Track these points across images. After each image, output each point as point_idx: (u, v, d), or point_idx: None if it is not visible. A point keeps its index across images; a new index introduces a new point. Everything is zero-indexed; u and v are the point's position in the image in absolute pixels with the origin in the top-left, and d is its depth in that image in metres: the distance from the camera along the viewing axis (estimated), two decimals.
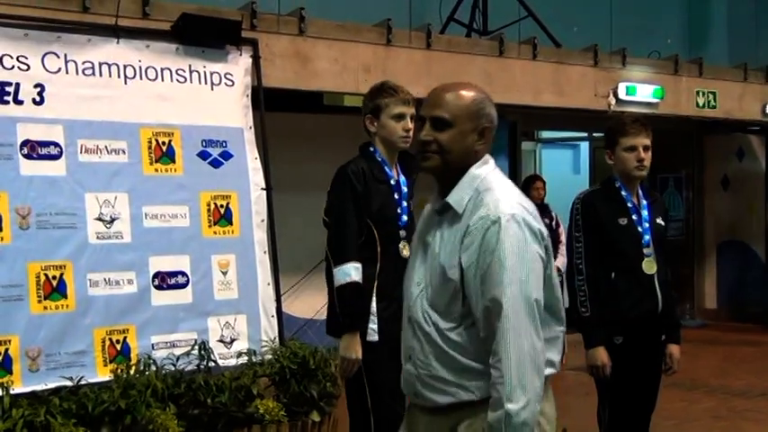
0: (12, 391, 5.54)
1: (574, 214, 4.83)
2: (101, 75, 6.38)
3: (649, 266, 4.73)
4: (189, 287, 6.53)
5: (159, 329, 6.36)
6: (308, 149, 8.77)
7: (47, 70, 6.16)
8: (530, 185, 10.24)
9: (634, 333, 4.72)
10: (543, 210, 10.13)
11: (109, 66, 6.42)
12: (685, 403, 8.18)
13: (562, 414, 7.52)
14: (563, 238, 9.35)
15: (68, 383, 5.77)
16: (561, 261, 9.23)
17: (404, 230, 4.51)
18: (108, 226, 6.23)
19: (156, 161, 6.51)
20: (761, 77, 11.74)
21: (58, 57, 6.22)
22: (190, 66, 6.77)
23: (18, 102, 6.02)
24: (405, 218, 4.54)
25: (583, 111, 10.14)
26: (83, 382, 5.79)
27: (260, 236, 6.90)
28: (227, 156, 6.83)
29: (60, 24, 6.29)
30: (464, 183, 2.89)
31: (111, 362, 6.10)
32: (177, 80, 6.71)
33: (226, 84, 6.92)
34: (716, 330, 12.61)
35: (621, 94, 10.08)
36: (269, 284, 6.89)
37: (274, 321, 6.86)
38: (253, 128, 7.02)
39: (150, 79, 6.59)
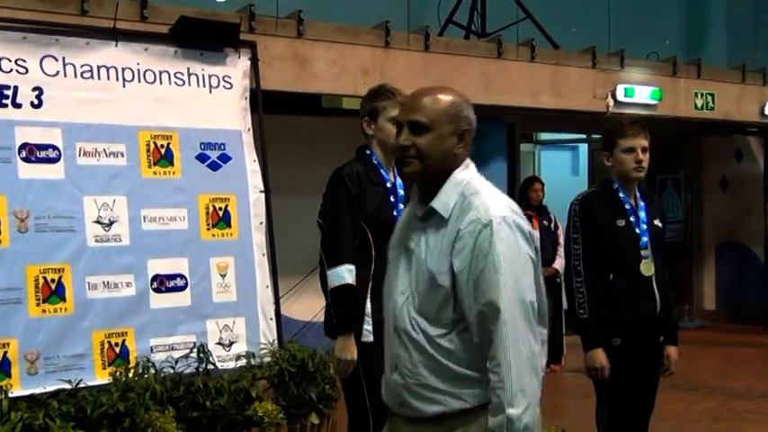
0: (10, 395, 5.54)
1: (572, 216, 4.83)
2: (99, 78, 6.38)
3: (647, 268, 4.73)
4: (187, 290, 6.53)
5: (158, 332, 6.36)
6: (307, 152, 8.77)
7: (45, 73, 6.17)
8: (528, 187, 10.25)
9: (632, 335, 4.73)
10: (542, 211, 10.15)
11: (107, 69, 6.43)
12: (684, 404, 8.18)
13: (561, 416, 7.54)
14: (562, 239, 9.35)
15: (67, 386, 5.77)
16: (560, 263, 9.25)
17: None
18: (106, 229, 6.23)
19: (155, 164, 6.51)
20: (759, 79, 11.75)
21: (57, 60, 6.22)
22: (188, 68, 6.78)
23: (16, 105, 6.03)
24: None
25: (581, 112, 10.14)
26: (81, 385, 5.80)
27: (259, 238, 6.90)
28: (225, 158, 6.84)
29: (58, 27, 6.29)
30: (449, 187, 2.86)
31: (109, 365, 6.10)
32: (176, 83, 6.71)
33: (224, 86, 6.93)
34: (715, 332, 12.61)
35: (620, 96, 10.09)
36: (268, 287, 6.89)
37: (273, 324, 6.86)
38: (251, 130, 7.03)
39: (149, 82, 6.59)
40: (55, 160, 6.11)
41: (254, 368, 6.39)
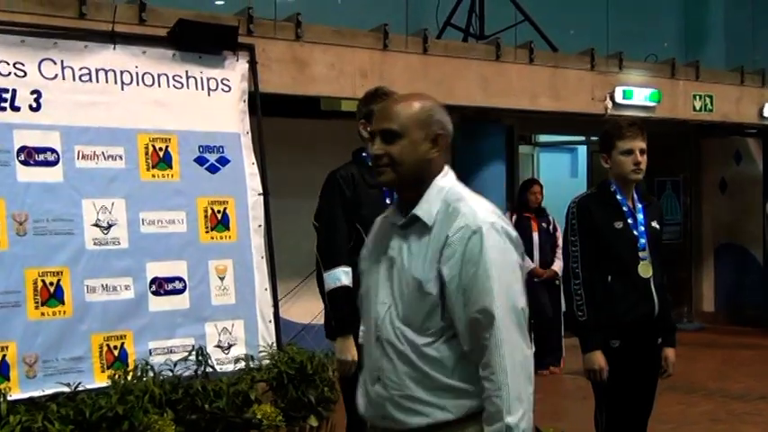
0: (9, 398, 5.56)
1: (569, 218, 4.83)
2: (97, 81, 6.39)
3: (645, 270, 4.73)
4: (186, 293, 6.53)
5: (157, 335, 6.36)
6: (306, 155, 8.77)
7: (43, 77, 6.17)
8: (527, 189, 10.24)
9: (631, 337, 4.72)
10: (540, 213, 10.14)
11: (106, 72, 6.43)
12: (683, 406, 8.17)
13: (560, 417, 7.53)
14: (560, 242, 9.35)
15: (66, 389, 5.78)
16: (558, 265, 9.25)
17: None
18: (105, 232, 6.23)
19: (153, 167, 6.52)
20: (758, 81, 11.76)
21: (55, 63, 6.23)
22: (186, 71, 6.78)
23: (15, 108, 6.03)
24: None
25: (580, 114, 10.15)
26: (80, 388, 5.81)
27: (257, 241, 6.91)
28: (224, 161, 6.84)
29: (57, 31, 6.30)
30: (431, 194, 2.83)
31: (108, 368, 6.11)
32: (174, 86, 6.72)
33: (223, 89, 6.93)
34: (714, 333, 12.60)
35: (618, 98, 10.09)
36: (266, 289, 6.90)
37: (272, 326, 6.86)
38: (250, 133, 7.03)
39: (147, 85, 6.60)
40: (53, 163, 6.12)
41: (252, 371, 6.40)
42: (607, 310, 4.69)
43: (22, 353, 5.82)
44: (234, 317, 6.70)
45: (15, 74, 6.07)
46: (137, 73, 6.56)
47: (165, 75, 6.68)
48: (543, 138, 14.30)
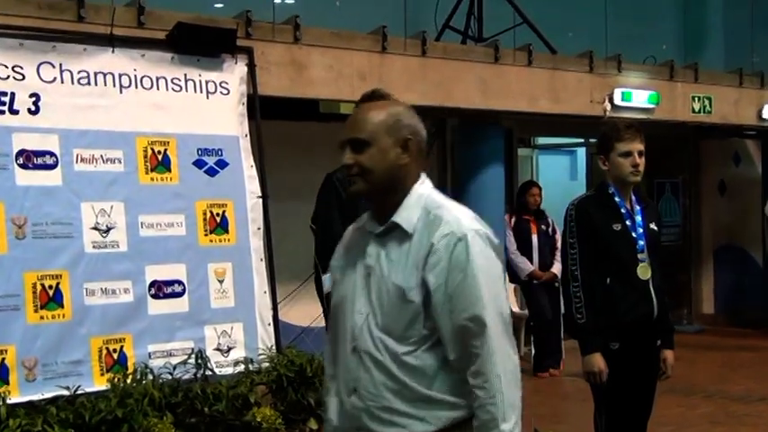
0: (8, 401, 5.56)
1: (568, 221, 4.83)
2: (96, 84, 6.39)
3: (644, 272, 4.73)
4: (185, 296, 6.53)
5: (156, 338, 6.36)
6: (304, 157, 8.76)
7: (42, 80, 6.18)
8: (526, 192, 10.25)
9: (630, 339, 4.72)
10: (540, 216, 10.15)
11: (104, 75, 6.44)
12: (683, 409, 8.16)
13: (560, 420, 7.52)
14: (560, 244, 9.35)
15: (65, 393, 5.78)
16: (558, 267, 9.24)
17: None
18: (104, 235, 6.23)
19: (152, 170, 6.52)
20: (756, 82, 11.76)
21: (54, 66, 6.23)
22: (185, 74, 6.79)
23: (13, 111, 6.04)
24: None
25: (579, 117, 10.14)
26: (80, 392, 5.81)
27: (256, 244, 6.91)
28: (222, 164, 6.84)
29: (55, 34, 6.30)
30: (410, 202, 2.78)
31: (107, 371, 6.11)
32: (173, 89, 6.72)
33: (221, 92, 6.94)
34: (714, 336, 12.59)
35: (617, 100, 10.09)
36: (265, 292, 6.90)
37: (271, 329, 6.87)
38: (248, 136, 7.04)
39: (146, 88, 6.60)
40: (52, 167, 6.12)
41: (252, 374, 6.40)
42: (606, 313, 4.68)
43: (22, 356, 5.82)
44: (233, 320, 6.70)
45: (14, 77, 6.07)
46: (135, 76, 6.56)
47: (164, 78, 6.69)
48: (542, 140, 14.30)
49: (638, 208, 4.82)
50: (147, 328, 6.33)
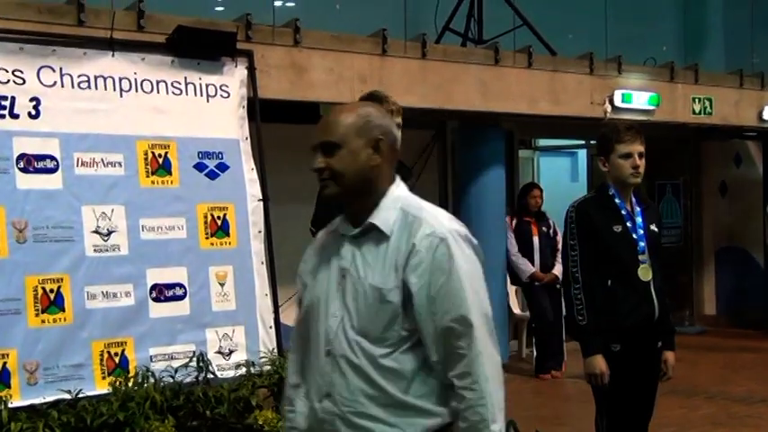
0: (10, 405, 5.55)
1: (568, 222, 4.83)
2: (96, 88, 6.39)
3: (645, 273, 4.73)
4: (186, 299, 6.53)
5: (157, 341, 6.36)
6: (305, 160, 8.74)
7: (42, 84, 6.18)
8: (527, 193, 10.26)
9: (631, 340, 4.72)
10: (541, 217, 10.16)
11: (104, 79, 6.43)
12: (685, 410, 8.17)
13: (562, 422, 7.52)
14: (561, 245, 9.35)
15: (67, 396, 5.77)
16: (559, 269, 9.24)
17: None
18: (105, 239, 6.23)
19: (153, 173, 6.52)
20: (757, 83, 11.77)
21: (54, 70, 6.23)
22: (185, 78, 6.79)
23: (14, 116, 6.04)
24: None
25: (579, 118, 10.15)
26: (81, 395, 5.80)
27: (257, 247, 6.91)
28: (223, 167, 6.84)
29: (55, 38, 6.29)
30: (386, 203, 2.77)
31: (109, 374, 6.10)
32: (173, 92, 6.72)
33: (221, 95, 6.93)
34: (715, 337, 12.59)
35: (617, 102, 10.09)
36: (267, 295, 6.90)
37: (272, 332, 6.87)
38: (249, 139, 7.04)
39: (146, 92, 6.60)
40: (53, 170, 6.12)
41: (253, 377, 6.39)
42: (607, 314, 4.68)
43: (23, 360, 5.81)
44: (234, 323, 6.70)
45: (14, 81, 6.07)
46: (135, 80, 6.56)
47: (164, 81, 6.69)
48: (543, 142, 14.31)
49: (638, 209, 4.83)
50: (148, 332, 6.32)
